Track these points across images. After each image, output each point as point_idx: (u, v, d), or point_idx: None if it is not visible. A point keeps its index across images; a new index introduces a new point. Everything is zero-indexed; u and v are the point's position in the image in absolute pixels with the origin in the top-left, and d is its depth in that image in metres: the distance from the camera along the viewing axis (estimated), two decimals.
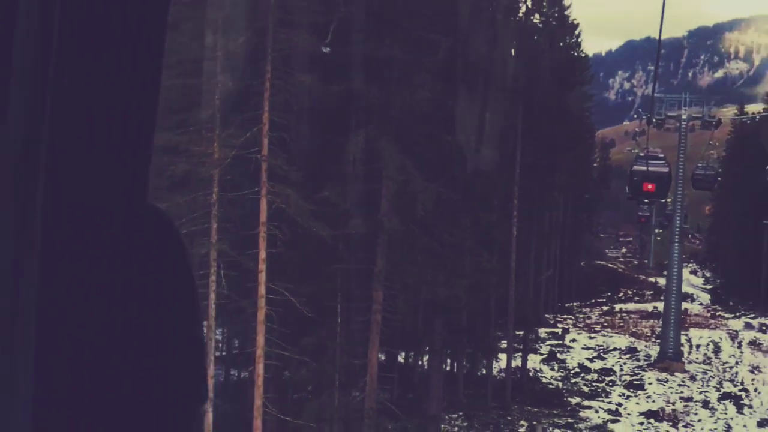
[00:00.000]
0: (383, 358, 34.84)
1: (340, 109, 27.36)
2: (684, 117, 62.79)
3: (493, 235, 39.43)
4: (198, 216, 26.78)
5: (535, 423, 43.87)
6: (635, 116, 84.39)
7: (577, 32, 79.76)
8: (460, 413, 44.86)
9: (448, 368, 46.73)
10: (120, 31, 1.33)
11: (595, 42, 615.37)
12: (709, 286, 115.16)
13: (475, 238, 33.28)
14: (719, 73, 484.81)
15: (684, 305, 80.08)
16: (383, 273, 28.38)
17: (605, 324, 78.66)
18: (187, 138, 26.18)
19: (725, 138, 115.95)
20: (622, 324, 78.85)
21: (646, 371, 60.02)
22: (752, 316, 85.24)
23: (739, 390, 55.83)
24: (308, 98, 26.82)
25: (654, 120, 61.66)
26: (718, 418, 49.78)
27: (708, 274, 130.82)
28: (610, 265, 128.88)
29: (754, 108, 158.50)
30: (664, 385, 56.50)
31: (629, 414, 49.83)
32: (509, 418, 46.12)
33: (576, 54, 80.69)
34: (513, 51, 49.22)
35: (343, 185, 28.03)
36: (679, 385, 56.89)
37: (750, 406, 52.44)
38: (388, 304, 28.91)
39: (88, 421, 1.33)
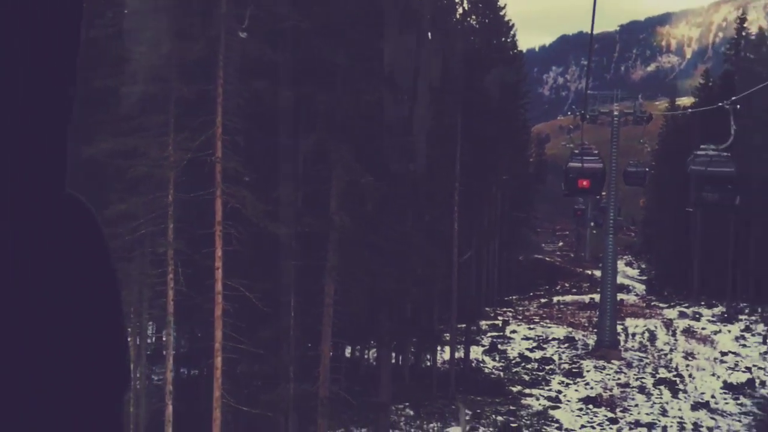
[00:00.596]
0: (331, 351, 36.31)
1: (291, 112, 28.84)
2: (616, 113, 65.33)
3: (437, 230, 41.20)
4: (155, 216, 27.99)
5: (459, 406, 45.36)
6: (569, 113, 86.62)
7: (512, 32, 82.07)
8: (407, 403, 46.51)
9: (394, 360, 48.34)
10: (32, 21, 1.33)
11: (528, 38, 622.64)
12: (644, 277, 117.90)
13: (420, 234, 34.98)
14: (651, 67, 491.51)
15: (620, 296, 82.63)
16: (335, 268, 29.94)
17: (544, 315, 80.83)
18: (144, 142, 27.38)
19: (658, 131, 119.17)
20: (560, 315, 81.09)
21: (584, 359, 62.04)
22: (686, 305, 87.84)
23: (674, 376, 58.03)
24: (260, 103, 28.23)
25: (587, 116, 63.93)
26: (654, 403, 51.84)
27: (643, 266, 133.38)
28: (547, 259, 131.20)
29: (685, 101, 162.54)
30: (601, 372, 58.53)
31: (569, 401, 51.72)
32: (453, 407, 47.84)
33: (512, 53, 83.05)
34: (452, 53, 50.84)
35: (294, 185, 29.51)
36: (616, 372, 58.96)
37: (684, 391, 54.65)
38: (339, 298, 30.48)
39: (2, 416, 1.31)
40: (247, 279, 28.19)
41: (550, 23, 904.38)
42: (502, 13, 75.74)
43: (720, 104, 25.75)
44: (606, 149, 66.35)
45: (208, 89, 27.83)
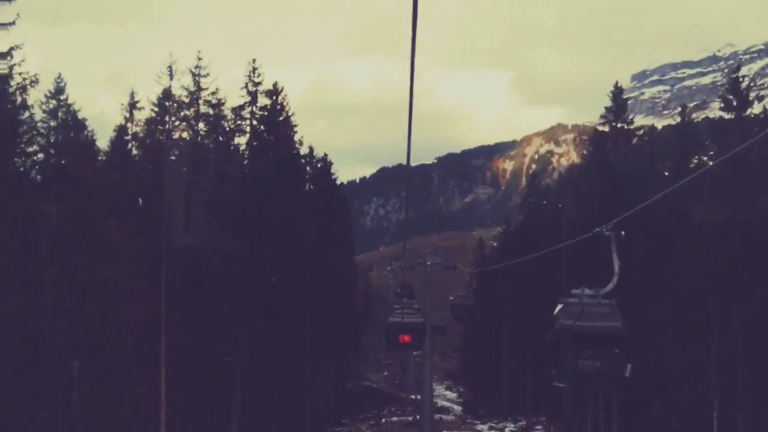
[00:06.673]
0: None
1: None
2: (428, 263, 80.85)
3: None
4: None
5: None
6: (394, 262, 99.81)
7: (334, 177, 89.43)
8: None
9: None
10: None
11: (349, 170, 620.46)
12: (462, 400, 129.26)
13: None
14: (469, 198, 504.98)
15: (439, 415, 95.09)
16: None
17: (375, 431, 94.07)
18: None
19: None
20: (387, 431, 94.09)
21: None
22: (496, 421, 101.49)
23: None
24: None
25: (406, 266, 78.95)
26: None
27: (461, 389, 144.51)
28: (374, 386, 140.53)
29: (499, 231, 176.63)
30: None
31: None
32: None
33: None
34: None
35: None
36: None
37: None
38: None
39: None
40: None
41: (370, 156, 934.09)
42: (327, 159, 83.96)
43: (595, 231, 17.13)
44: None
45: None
